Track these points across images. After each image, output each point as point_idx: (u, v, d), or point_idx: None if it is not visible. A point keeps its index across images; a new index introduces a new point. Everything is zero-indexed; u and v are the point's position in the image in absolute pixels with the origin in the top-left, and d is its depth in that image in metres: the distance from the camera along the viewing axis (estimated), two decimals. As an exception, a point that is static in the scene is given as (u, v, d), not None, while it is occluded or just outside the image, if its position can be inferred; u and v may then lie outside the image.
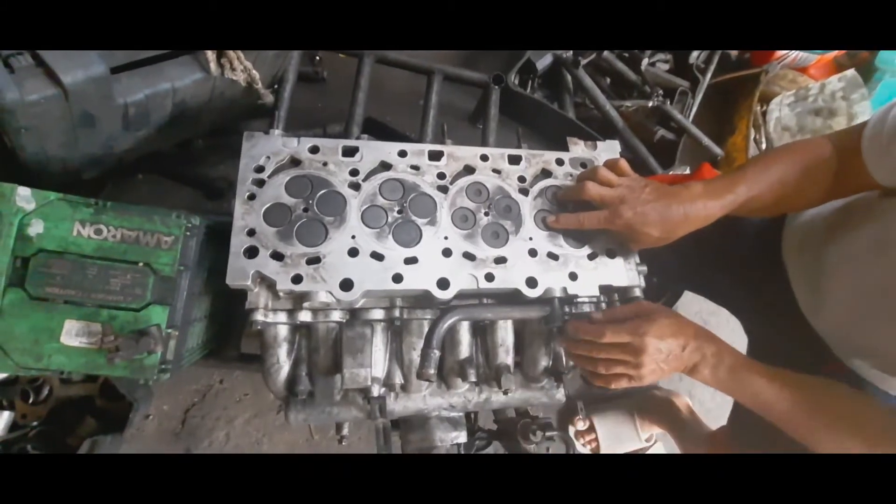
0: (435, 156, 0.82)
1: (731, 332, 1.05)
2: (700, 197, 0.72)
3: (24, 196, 0.61)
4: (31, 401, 0.94)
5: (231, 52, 0.82)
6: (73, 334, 0.62)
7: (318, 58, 1.47)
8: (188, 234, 0.67)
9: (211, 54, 0.81)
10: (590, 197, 0.76)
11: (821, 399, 0.67)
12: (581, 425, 1.42)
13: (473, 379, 0.76)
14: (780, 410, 0.68)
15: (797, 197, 0.76)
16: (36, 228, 0.61)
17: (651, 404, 1.44)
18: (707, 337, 0.71)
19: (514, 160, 0.85)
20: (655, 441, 1.45)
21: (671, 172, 1.44)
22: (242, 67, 0.86)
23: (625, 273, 0.79)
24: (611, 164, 0.80)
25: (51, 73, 0.64)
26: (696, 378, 0.71)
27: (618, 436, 1.42)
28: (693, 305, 0.82)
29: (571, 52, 1.47)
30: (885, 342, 0.69)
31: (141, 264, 0.65)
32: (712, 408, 1.62)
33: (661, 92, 1.51)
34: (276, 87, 1.02)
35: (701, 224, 0.73)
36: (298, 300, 0.71)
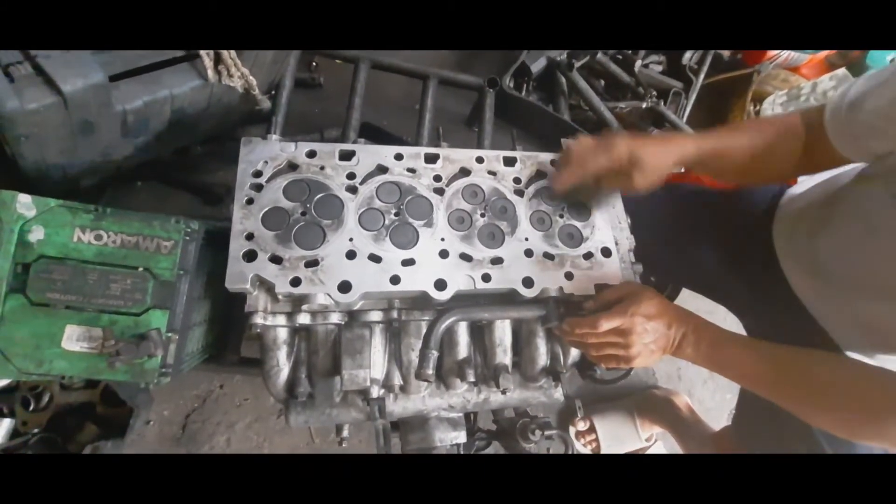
0: (431, 158, 0.83)
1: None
2: (673, 135, 0.85)
3: (25, 203, 0.62)
4: (31, 408, 0.95)
5: (228, 59, 0.83)
6: (74, 339, 0.63)
7: (314, 63, 1.48)
8: (187, 238, 0.68)
9: (208, 61, 0.81)
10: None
11: (806, 367, 0.68)
12: (581, 426, 1.42)
13: (472, 379, 0.76)
14: (764, 381, 0.69)
15: (767, 165, 0.80)
16: (37, 235, 0.62)
17: (651, 404, 1.45)
18: (686, 314, 0.73)
19: (510, 162, 0.86)
20: (656, 441, 1.46)
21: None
22: (239, 74, 0.87)
23: (620, 272, 0.80)
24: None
25: (50, 81, 0.64)
26: (680, 357, 0.72)
27: (618, 436, 1.42)
28: (690, 304, 0.83)
29: (565, 54, 1.48)
30: (883, 322, 0.70)
31: (141, 269, 0.65)
32: (712, 407, 1.63)
33: (654, 93, 1.53)
34: (273, 92, 1.02)
35: (680, 152, 0.79)
36: (297, 303, 0.71)
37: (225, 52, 0.82)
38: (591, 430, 1.42)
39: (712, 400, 1.64)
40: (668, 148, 0.78)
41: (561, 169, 0.83)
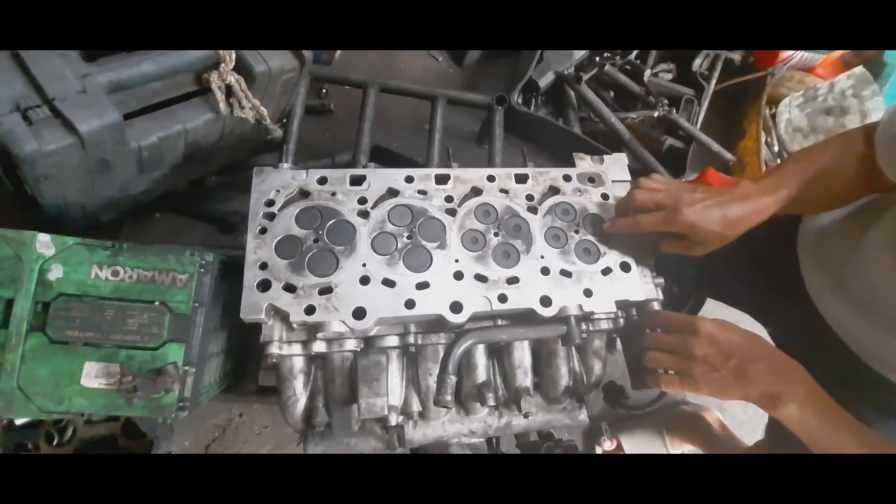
0: (442, 179, 0.82)
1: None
2: (755, 194, 0.72)
3: (44, 242, 0.63)
4: (55, 442, 0.95)
5: (239, 91, 0.85)
6: (92, 376, 0.63)
7: (324, 90, 1.51)
8: (202, 270, 0.68)
9: (220, 94, 0.83)
10: (642, 203, 0.75)
11: None
12: (608, 445, 1.38)
13: (492, 403, 0.74)
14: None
15: (843, 189, 0.74)
16: (56, 273, 0.63)
17: (681, 420, 1.39)
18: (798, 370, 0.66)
19: (521, 179, 0.85)
20: (687, 458, 1.40)
21: (682, 181, 1.42)
22: (251, 105, 0.88)
23: (641, 287, 0.78)
24: (647, 179, 0.80)
25: (67, 123, 0.66)
26: (774, 412, 0.65)
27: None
28: (715, 313, 0.80)
29: (573, 68, 1.48)
30: None
31: (157, 303, 0.66)
32: (745, 421, 1.56)
33: (666, 101, 1.51)
34: (284, 121, 1.04)
35: (757, 220, 0.72)
36: (312, 331, 0.70)
37: (236, 85, 0.84)
38: (619, 449, 1.37)
39: (745, 414, 1.57)
40: (742, 221, 0.71)
41: (619, 211, 0.80)
